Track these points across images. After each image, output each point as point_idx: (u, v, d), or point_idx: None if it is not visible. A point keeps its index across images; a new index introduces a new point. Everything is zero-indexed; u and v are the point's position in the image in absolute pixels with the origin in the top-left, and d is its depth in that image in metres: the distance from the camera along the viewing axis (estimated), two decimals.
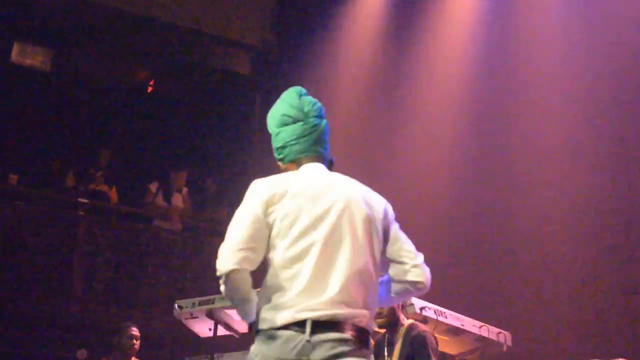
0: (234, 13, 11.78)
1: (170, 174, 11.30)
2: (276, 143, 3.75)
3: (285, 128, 3.74)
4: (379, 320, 5.83)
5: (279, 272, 3.43)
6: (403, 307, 5.94)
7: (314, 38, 11.02)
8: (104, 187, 10.93)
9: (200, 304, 7.17)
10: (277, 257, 3.44)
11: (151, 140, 12.39)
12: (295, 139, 3.73)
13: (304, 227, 3.45)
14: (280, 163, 3.77)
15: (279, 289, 3.41)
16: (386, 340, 5.90)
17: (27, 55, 11.67)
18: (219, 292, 6.86)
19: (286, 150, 3.73)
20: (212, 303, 7.12)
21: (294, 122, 3.75)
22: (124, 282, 10.43)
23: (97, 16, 11.25)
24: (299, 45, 11.22)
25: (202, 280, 10.16)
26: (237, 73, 12.06)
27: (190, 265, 10.68)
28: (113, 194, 11.02)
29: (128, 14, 11.11)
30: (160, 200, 11.14)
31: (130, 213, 11.12)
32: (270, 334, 3.36)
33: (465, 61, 10.08)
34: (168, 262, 10.76)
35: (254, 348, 3.41)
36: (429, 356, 5.69)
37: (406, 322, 5.92)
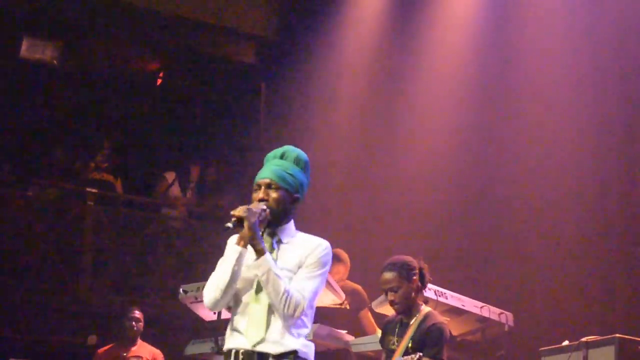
0: (239, 3, 11.85)
1: (190, 168, 11.45)
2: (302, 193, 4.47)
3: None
4: (396, 307, 5.83)
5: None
6: (419, 291, 5.89)
7: (318, 26, 11.05)
8: (109, 177, 11.07)
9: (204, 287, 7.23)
10: None
11: (160, 131, 12.51)
12: None
13: None
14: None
15: None
16: (399, 321, 5.88)
17: (37, 50, 11.71)
18: None
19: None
20: None
21: None
22: (132, 269, 10.58)
23: (105, 9, 11.35)
24: (303, 34, 11.24)
25: (207, 265, 10.23)
26: (243, 63, 12.13)
27: (195, 251, 10.82)
28: (118, 185, 11.16)
29: (136, 6, 11.21)
30: (176, 190, 11.31)
31: (136, 202, 11.27)
32: None
33: (468, 48, 10.12)
34: (175, 249, 10.91)
35: None
36: (441, 349, 5.70)
37: (424, 308, 5.90)
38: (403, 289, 5.72)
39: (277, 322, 4.25)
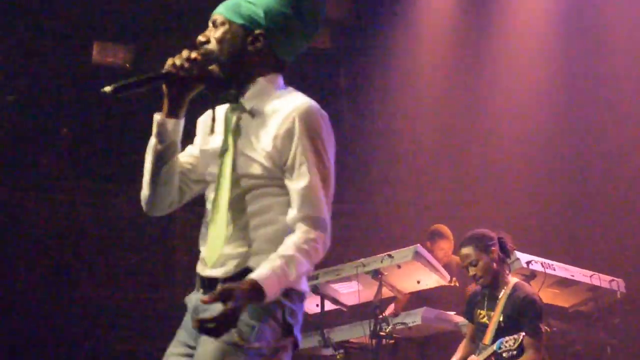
0: None
1: None
2: None
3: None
4: (480, 281, 5.74)
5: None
6: (503, 261, 5.80)
7: (392, 6, 10.87)
8: None
9: None
10: None
11: None
12: None
13: None
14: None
15: None
16: (487, 293, 5.79)
17: (108, 54, 11.76)
18: (321, 267, 6.88)
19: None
20: (317, 279, 7.09)
21: None
22: None
23: (177, 11, 11.32)
24: (377, 16, 11.08)
25: None
26: (318, 49, 12.00)
27: None
28: None
29: (204, 6, 11.17)
30: None
31: None
32: (304, 291, 3.06)
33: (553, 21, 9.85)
34: None
35: (282, 301, 2.93)
36: (537, 319, 5.57)
37: (511, 279, 5.80)
38: (482, 261, 5.68)
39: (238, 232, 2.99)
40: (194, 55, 3.01)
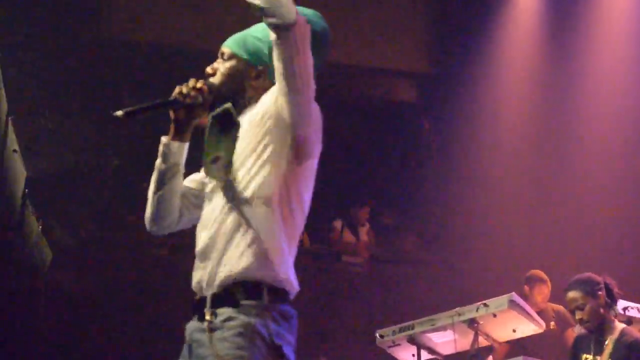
0: (389, 42, 11.86)
1: (350, 210, 11.52)
2: None
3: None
4: (586, 325, 5.74)
5: (304, 212, 3.28)
6: (609, 307, 5.79)
7: (472, 54, 10.95)
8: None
9: (400, 330, 7.14)
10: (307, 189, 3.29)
11: (327, 177, 12.56)
12: None
13: None
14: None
15: (294, 239, 3.27)
16: (593, 338, 5.78)
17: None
18: (415, 317, 6.95)
19: None
20: (412, 329, 7.09)
21: None
22: (319, 317, 10.62)
23: None
24: (458, 65, 11.17)
25: (393, 308, 10.20)
26: (402, 101, 12.11)
27: (377, 295, 10.80)
28: (305, 238, 11.30)
29: None
30: (348, 236, 11.41)
31: (316, 251, 11.39)
32: (287, 311, 3.16)
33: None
34: (357, 294, 10.92)
35: (268, 324, 3.06)
36: None
37: (618, 324, 5.78)
38: (589, 305, 5.65)
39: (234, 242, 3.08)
40: (199, 84, 3.18)
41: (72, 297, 9.27)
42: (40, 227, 8.06)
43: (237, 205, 3.07)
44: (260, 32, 3.22)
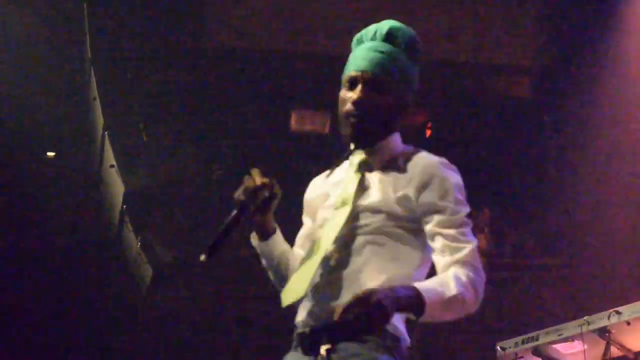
0: (504, 38, 11.56)
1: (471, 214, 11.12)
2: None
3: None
4: None
5: None
6: None
7: (588, 47, 10.53)
8: None
9: (523, 342, 6.78)
10: None
11: None
12: None
13: None
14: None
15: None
16: None
17: (306, 122, 12.04)
18: (538, 328, 6.55)
19: None
20: (537, 340, 6.73)
21: None
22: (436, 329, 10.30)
23: None
24: (574, 58, 10.76)
25: (512, 316, 9.85)
26: (519, 98, 11.75)
27: (495, 305, 10.42)
28: None
29: None
30: None
31: None
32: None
33: None
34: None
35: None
36: None
37: None
38: None
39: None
40: (258, 180, 2.91)
41: (172, 313, 9.15)
42: (139, 243, 7.95)
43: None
44: (402, 63, 2.95)
